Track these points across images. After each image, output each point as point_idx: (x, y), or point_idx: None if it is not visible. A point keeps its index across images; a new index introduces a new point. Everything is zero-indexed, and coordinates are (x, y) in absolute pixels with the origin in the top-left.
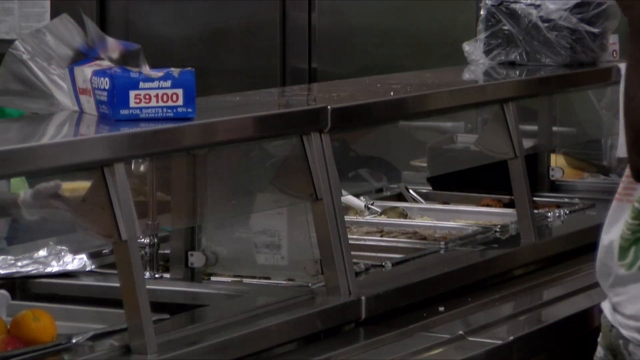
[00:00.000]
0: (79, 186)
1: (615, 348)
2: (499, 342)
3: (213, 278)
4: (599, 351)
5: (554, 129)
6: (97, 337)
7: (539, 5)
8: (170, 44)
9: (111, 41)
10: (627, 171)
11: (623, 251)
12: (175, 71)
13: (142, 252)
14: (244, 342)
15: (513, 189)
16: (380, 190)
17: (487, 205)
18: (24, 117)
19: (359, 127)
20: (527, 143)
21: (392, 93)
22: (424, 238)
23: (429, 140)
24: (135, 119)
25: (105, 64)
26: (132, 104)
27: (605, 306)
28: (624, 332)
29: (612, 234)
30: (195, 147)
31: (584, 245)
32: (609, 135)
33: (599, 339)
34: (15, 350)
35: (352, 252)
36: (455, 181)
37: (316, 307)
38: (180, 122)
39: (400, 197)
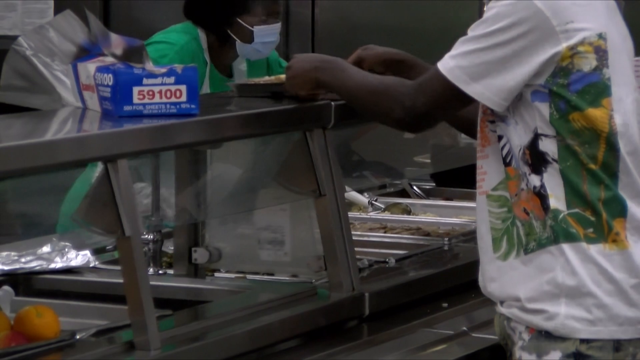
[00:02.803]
0: None
1: (504, 331)
2: None
3: (216, 274)
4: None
5: None
6: (101, 333)
7: None
8: None
9: (114, 37)
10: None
11: (496, 242)
12: (178, 67)
13: (146, 248)
14: (247, 338)
15: None
16: (383, 186)
17: None
18: (27, 113)
19: (362, 123)
20: None
21: None
22: (428, 234)
23: (432, 136)
24: (138, 115)
25: (109, 60)
26: (135, 100)
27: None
28: (504, 310)
29: (480, 232)
30: (199, 143)
31: None
32: None
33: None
34: (19, 347)
35: (356, 248)
36: (459, 177)
37: (319, 303)
38: (183, 118)
39: (403, 194)
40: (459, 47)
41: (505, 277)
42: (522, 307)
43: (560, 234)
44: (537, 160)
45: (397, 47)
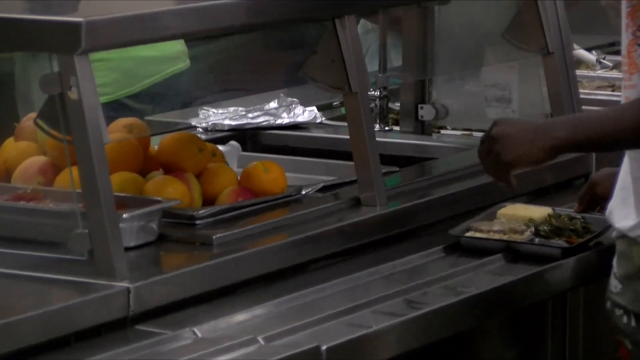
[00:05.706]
0: None
1: None
2: None
3: (442, 131)
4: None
5: None
6: (327, 188)
7: None
8: None
9: None
10: None
11: None
12: None
13: (372, 104)
14: (471, 195)
15: None
16: (612, 44)
17: None
18: None
19: None
20: None
21: None
22: None
23: None
24: None
25: None
26: None
27: None
28: None
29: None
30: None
31: None
32: None
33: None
34: (246, 201)
35: (583, 107)
36: None
37: None
38: None
39: None
40: None
41: None
42: None
43: None
44: None
45: None
